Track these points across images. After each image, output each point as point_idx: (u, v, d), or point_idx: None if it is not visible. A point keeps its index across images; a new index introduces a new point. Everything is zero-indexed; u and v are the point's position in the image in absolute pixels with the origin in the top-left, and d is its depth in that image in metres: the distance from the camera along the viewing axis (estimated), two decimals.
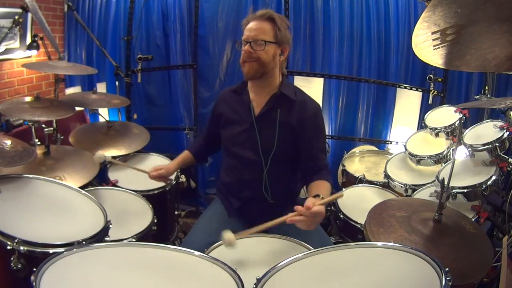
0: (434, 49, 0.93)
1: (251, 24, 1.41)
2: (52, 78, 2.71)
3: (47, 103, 1.89)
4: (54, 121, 2.08)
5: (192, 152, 1.73)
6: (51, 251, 1.06)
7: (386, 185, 2.13)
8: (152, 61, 2.85)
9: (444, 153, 2.04)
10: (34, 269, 0.83)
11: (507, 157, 1.72)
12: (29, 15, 2.41)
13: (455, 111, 2.06)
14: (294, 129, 1.44)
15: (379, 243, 1.01)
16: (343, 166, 2.47)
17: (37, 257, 1.05)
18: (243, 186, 1.51)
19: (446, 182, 1.27)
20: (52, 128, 2.01)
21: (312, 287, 0.91)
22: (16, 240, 1.04)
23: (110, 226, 1.29)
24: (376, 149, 2.81)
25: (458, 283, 1.05)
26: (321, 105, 2.93)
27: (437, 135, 2.12)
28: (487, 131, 1.79)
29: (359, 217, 1.76)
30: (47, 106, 1.86)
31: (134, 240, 1.51)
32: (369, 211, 1.39)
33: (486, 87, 2.64)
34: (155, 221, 1.67)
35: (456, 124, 2.03)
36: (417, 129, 2.68)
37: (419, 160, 2.09)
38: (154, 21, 2.92)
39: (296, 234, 1.37)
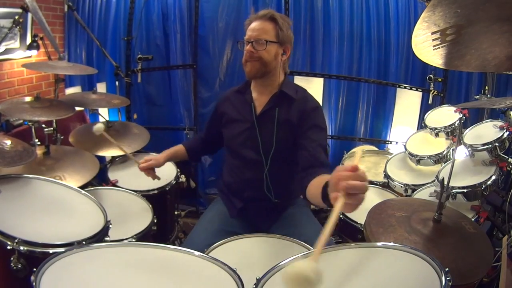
0: (434, 49, 0.92)
1: (253, 24, 1.42)
2: (52, 78, 2.71)
3: (47, 103, 1.89)
4: (54, 121, 2.09)
5: (186, 147, 1.72)
6: (51, 251, 1.06)
7: (386, 185, 2.13)
8: (152, 61, 2.85)
9: (444, 153, 2.04)
10: (34, 269, 0.83)
11: (507, 157, 1.72)
12: (29, 15, 2.41)
13: (455, 111, 2.06)
14: (294, 126, 1.43)
15: (379, 243, 1.01)
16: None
17: (37, 257, 1.04)
18: (246, 186, 1.51)
19: (446, 182, 1.27)
20: (52, 128, 2.01)
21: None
22: (16, 240, 1.04)
23: (110, 226, 1.29)
24: (376, 149, 2.81)
25: (458, 283, 1.05)
26: (321, 105, 2.94)
27: (437, 135, 2.12)
28: (487, 131, 1.79)
29: (359, 217, 1.76)
30: (47, 106, 1.86)
31: (134, 240, 1.51)
32: (369, 211, 1.39)
33: (486, 87, 2.64)
34: (155, 221, 1.67)
35: (456, 124, 2.03)
36: (417, 129, 2.68)
37: (419, 160, 2.09)
38: (154, 21, 2.92)
39: (296, 234, 1.37)
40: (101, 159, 2.12)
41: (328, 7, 2.80)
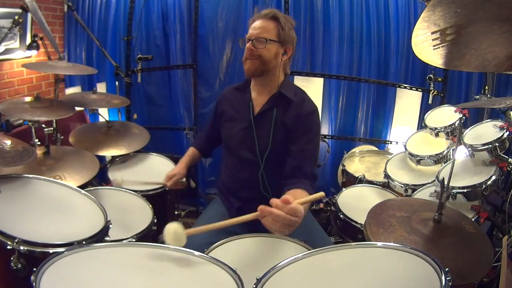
0: (434, 49, 0.92)
1: (256, 23, 1.43)
2: (52, 78, 2.71)
3: (47, 103, 1.89)
4: (54, 121, 2.08)
5: (198, 148, 1.78)
6: (51, 251, 1.06)
7: (386, 185, 2.13)
8: (152, 61, 2.85)
9: (444, 153, 2.04)
10: (34, 269, 0.83)
11: (507, 157, 1.72)
12: (29, 15, 2.41)
13: (455, 111, 2.06)
14: (289, 128, 1.43)
15: (379, 243, 1.01)
16: (343, 166, 2.47)
17: (37, 257, 1.04)
18: (242, 185, 1.51)
19: (446, 182, 1.27)
20: (52, 128, 2.01)
21: (312, 287, 0.90)
22: (16, 240, 1.04)
23: (110, 226, 1.29)
24: (376, 149, 2.81)
25: (458, 283, 1.05)
26: (321, 105, 2.95)
27: (437, 135, 2.12)
28: (487, 131, 1.79)
29: (359, 217, 1.76)
30: (47, 106, 1.86)
31: (134, 240, 1.51)
32: (369, 211, 1.39)
33: (486, 87, 2.64)
34: (155, 221, 1.67)
35: (456, 124, 2.03)
36: (417, 129, 2.68)
37: (419, 160, 2.09)
38: (154, 21, 2.92)
39: (296, 234, 1.37)
40: (101, 159, 2.12)
41: (328, 7, 2.80)
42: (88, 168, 1.78)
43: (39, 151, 1.77)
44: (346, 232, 1.85)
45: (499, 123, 1.78)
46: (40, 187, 1.37)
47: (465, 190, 1.60)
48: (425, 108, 2.80)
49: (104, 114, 2.68)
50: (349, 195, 2.02)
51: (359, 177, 2.26)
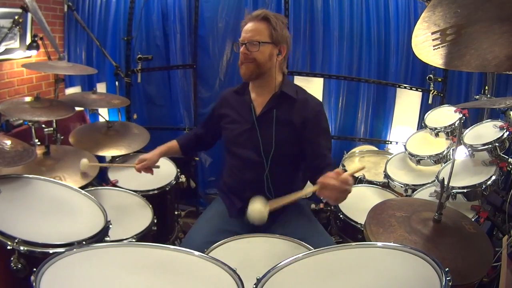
0: (434, 49, 0.92)
1: (247, 26, 1.42)
2: (52, 78, 2.71)
3: (47, 103, 1.89)
4: (54, 121, 2.08)
5: (179, 144, 1.73)
6: (51, 251, 1.06)
7: (386, 185, 2.13)
8: (152, 61, 2.85)
9: (444, 153, 2.04)
10: (34, 269, 0.83)
11: (507, 157, 1.72)
12: (29, 15, 2.41)
13: (455, 111, 2.06)
14: (297, 128, 1.44)
15: (379, 243, 1.01)
16: (343, 166, 2.47)
17: (37, 257, 1.05)
18: (246, 186, 1.51)
19: (446, 182, 1.27)
20: (52, 128, 2.01)
21: (312, 287, 0.91)
22: (16, 240, 1.04)
23: (110, 226, 1.29)
24: (376, 149, 2.81)
25: (458, 283, 1.05)
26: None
27: (437, 135, 2.12)
28: (487, 131, 1.79)
29: (359, 217, 1.76)
30: (47, 106, 1.86)
31: (134, 240, 1.51)
32: (369, 211, 1.39)
33: (486, 87, 2.64)
34: (155, 221, 1.67)
35: (456, 124, 2.03)
36: (417, 129, 2.68)
37: (419, 160, 2.09)
38: (154, 21, 2.91)
39: (296, 234, 1.37)
40: (101, 159, 2.12)
41: (328, 7, 2.80)
42: (89, 168, 1.78)
43: (39, 151, 1.77)
44: (346, 232, 1.85)
45: (499, 123, 1.77)
46: (40, 187, 1.37)
47: (465, 190, 1.60)
48: (425, 108, 2.80)
49: (104, 114, 2.68)
50: (349, 195, 2.02)
51: (359, 177, 2.26)
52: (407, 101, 2.95)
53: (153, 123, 3.06)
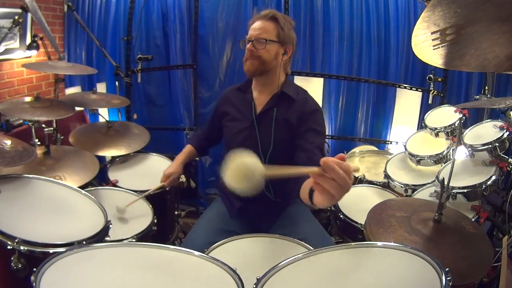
0: (433, 49, 0.92)
1: (255, 24, 1.44)
2: (52, 78, 2.71)
3: (47, 103, 1.89)
4: (54, 121, 2.08)
5: (195, 146, 1.78)
6: (51, 251, 1.05)
7: (386, 185, 2.13)
8: (152, 61, 2.85)
9: (444, 153, 2.04)
10: (34, 269, 0.83)
11: (507, 157, 1.72)
12: (29, 15, 2.41)
13: (455, 111, 2.05)
14: (293, 126, 1.44)
15: (379, 243, 1.01)
16: None
17: (37, 257, 1.04)
18: None
19: (446, 182, 1.27)
20: (52, 128, 2.01)
21: (312, 287, 0.91)
22: (16, 240, 1.04)
23: (110, 226, 1.29)
24: (376, 149, 2.81)
25: (458, 283, 1.05)
26: (321, 105, 2.94)
27: (437, 135, 2.12)
28: (487, 131, 1.79)
29: (359, 217, 1.76)
30: (47, 106, 1.86)
31: (134, 240, 1.51)
32: (369, 211, 1.39)
33: (486, 87, 2.64)
34: (155, 221, 1.67)
35: (456, 124, 2.03)
36: (417, 129, 2.68)
37: (419, 160, 2.09)
38: (154, 21, 2.92)
39: (296, 233, 1.37)
40: (101, 159, 2.12)
41: (328, 7, 2.80)
42: (88, 168, 1.78)
43: (39, 151, 1.77)
44: (346, 232, 1.85)
45: (499, 123, 1.77)
46: (40, 187, 1.37)
47: (465, 190, 1.60)
48: (425, 108, 2.80)
49: (104, 114, 2.68)
50: (349, 195, 2.00)
51: (359, 177, 2.26)
52: (407, 101, 2.95)
53: (153, 123, 3.06)
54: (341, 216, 1.83)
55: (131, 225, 1.60)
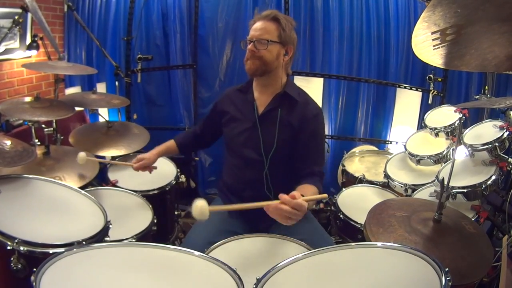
0: (434, 49, 0.92)
1: (256, 24, 1.43)
2: (52, 78, 2.71)
3: (47, 103, 1.89)
4: (54, 121, 2.08)
5: (177, 143, 1.74)
6: (51, 251, 1.06)
7: (386, 185, 2.13)
8: (152, 61, 2.85)
9: (444, 153, 2.04)
10: (34, 269, 0.83)
11: (507, 157, 1.72)
12: (29, 15, 2.41)
13: (455, 111, 2.05)
14: (295, 129, 1.45)
15: (379, 243, 1.01)
16: (343, 166, 2.47)
17: (37, 257, 1.05)
18: (245, 185, 1.51)
19: (446, 182, 1.27)
20: (52, 128, 2.01)
21: (312, 287, 0.91)
22: (16, 240, 1.04)
23: (110, 226, 1.29)
24: (376, 149, 2.81)
25: (458, 283, 1.05)
26: (321, 105, 2.95)
27: (437, 135, 2.12)
28: (487, 131, 1.79)
29: (359, 217, 1.76)
30: (47, 106, 1.86)
31: (134, 240, 1.51)
32: (369, 211, 1.39)
33: (486, 87, 2.64)
34: (155, 221, 1.67)
35: (456, 124, 2.03)
36: (417, 129, 2.68)
37: (419, 160, 2.09)
38: (154, 21, 2.92)
39: (296, 234, 1.37)
40: (101, 159, 2.12)
41: (328, 7, 2.81)
42: (88, 168, 1.78)
43: (39, 151, 1.77)
44: (346, 232, 1.85)
45: (499, 123, 1.77)
46: (40, 187, 1.37)
47: (465, 190, 1.60)
48: (425, 108, 2.80)
49: (104, 114, 2.68)
50: (349, 195, 2.02)
51: (359, 177, 2.26)
52: (407, 101, 2.95)
53: (153, 123, 3.06)
54: (341, 216, 1.83)
55: (131, 225, 1.60)
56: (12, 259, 1.04)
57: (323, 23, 2.84)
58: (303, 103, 1.47)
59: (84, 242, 1.11)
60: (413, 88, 2.87)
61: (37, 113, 1.78)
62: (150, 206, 1.76)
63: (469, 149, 1.78)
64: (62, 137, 2.13)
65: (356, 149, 2.76)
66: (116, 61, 2.62)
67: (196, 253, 1.00)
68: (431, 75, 2.70)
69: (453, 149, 1.99)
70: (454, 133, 2.04)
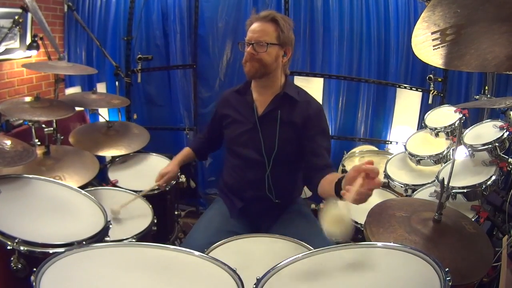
0: (433, 49, 0.92)
1: (254, 26, 1.42)
2: (52, 78, 2.71)
3: (47, 103, 1.89)
4: (54, 121, 2.08)
5: (193, 149, 1.77)
6: (51, 251, 1.06)
7: (386, 185, 2.13)
8: (152, 61, 2.85)
9: (444, 153, 2.04)
10: (34, 269, 0.83)
11: (507, 157, 1.72)
12: (29, 15, 2.41)
13: (455, 111, 2.05)
14: (298, 128, 1.44)
15: (379, 243, 1.01)
16: (343, 166, 2.46)
17: (37, 257, 1.04)
18: (247, 186, 1.51)
19: (446, 182, 1.27)
20: (52, 128, 2.01)
21: (312, 287, 0.91)
22: (16, 240, 1.04)
23: (110, 226, 1.29)
24: (376, 149, 2.81)
25: (458, 283, 1.05)
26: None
27: (437, 135, 2.12)
28: (487, 131, 1.79)
29: (359, 217, 1.76)
30: (47, 106, 1.86)
31: (134, 240, 1.51)
32: (369, 211, 1.39)
33: (486, 87, 2.64)
34: (155, 221, 1.67)
35: (456, 124, 2.03)
36: (417, 129, 2.68)
37: (419, 160, 2.09)
38: (154, 21, 2.92)
39: (296, 234, 1.37)
40: (101, 159, 2.12)
41: (328, 7, 2.80)
42: (88, 168, 1.78)
43: (39, 151, 1.77)
44: None
45: (499, 123, 1.77)
46: (40, 187, 1.37)
47: (465, 190, 1.60)
48: (425, 108, 2.80)
49: (104, 114, 2.68)
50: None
51: None
52: (407, 101, 2.95)
53: (153, 123, 3.06)
54: None
55: (131, 225, 1.60)
56: (12, 259, 1.04)
57: (323, 23, 2.83)
58: (304, 102, 1.47)
59: (84, 242, 1.11)
60: (413, 88, 2.87)
61: (37, 113, 1.78)
62: (150, 206, 1.76)
63: (469, 149, 1.78)
64: (62, 137, 2.13)
65: (356, 149, 2.76)
66: (116, 61, 2.62)
67: (196, 253, 0.99)
68: (431, 75, 2.69)
69: (453, 149, 1.99)
70: (454, 133, 2.04)
